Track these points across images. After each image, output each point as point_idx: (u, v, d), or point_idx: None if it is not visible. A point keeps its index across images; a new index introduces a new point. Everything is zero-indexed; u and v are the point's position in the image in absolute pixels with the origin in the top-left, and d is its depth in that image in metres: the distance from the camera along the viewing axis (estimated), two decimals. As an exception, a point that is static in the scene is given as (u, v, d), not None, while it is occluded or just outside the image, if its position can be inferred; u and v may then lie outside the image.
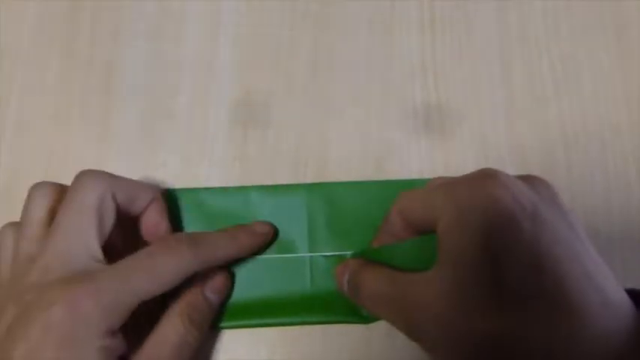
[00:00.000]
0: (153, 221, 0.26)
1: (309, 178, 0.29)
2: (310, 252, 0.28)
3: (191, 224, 0.28)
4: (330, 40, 0.32)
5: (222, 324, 0.27)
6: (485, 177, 0.20)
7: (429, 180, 0.29)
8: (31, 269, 0.22)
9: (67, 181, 0.29)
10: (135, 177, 0.29)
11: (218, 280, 0.26)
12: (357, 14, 0.33)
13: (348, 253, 0.28)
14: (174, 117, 0.31)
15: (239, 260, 0.27)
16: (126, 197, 0.24)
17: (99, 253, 0.23)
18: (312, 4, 0.33)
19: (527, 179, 0.21)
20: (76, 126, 0.30)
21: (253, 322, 0.27)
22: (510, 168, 0.30)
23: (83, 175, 0.24)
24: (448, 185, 0.21)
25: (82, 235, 0.22)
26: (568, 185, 0.30)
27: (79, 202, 0.23)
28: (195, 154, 0.30)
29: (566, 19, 0.33)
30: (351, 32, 0.32)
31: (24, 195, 0.29)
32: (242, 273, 0.27)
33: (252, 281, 0.27)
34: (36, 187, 0.24)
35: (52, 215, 0.23)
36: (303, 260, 0.28)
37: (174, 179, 0.29)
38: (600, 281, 0.19)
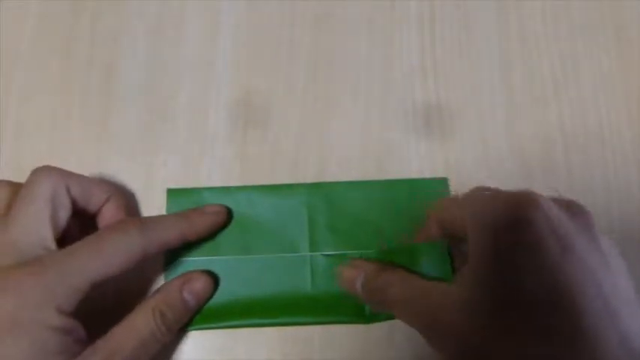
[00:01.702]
0: (110, 217, 0.26)
1: (309, 178, 0.29)
2: (311, 251, 0.28)
3: None
4: (330, 40, 0.32)
5: (222, 324, 0.27)
6: (525, 198, 0.20)
7: (428, 180, 0.29)
8: None
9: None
10: (135, 177, 0.29)
11: (198, 284, 0.26)
12: (357, 14, 0.33)
13: (349, 252, 0.28)
14: (174, 117, 0.31)
15: (241, 260, 0.27)
16: (81, 192, 0.25)
17: (52, 244, 0.23)
18: (312, 4, 0.33)
19: (567, 205, 0.21)
20: (76, 126, 0.30)
21: (253, 321, 0.27)
22: (510, 168, 0.30)
23: (37, 170, 0.24)
24: (486, 200, 0.21)
25: (35, 224, 0.23)
26: (568, 185, 0.30)
27: (31, 194, 0.23)
28: (195, 154, 0.30)
29: (566, 19, 0.33)
30: (351, 32, 0.32)
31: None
32: (242, 272, 0.27)
33: (252, 281, 0.27)
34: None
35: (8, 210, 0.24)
36: (304, 260, 0.28)
37: (174, 179, 0.29)
38: (623, 321, 0.18)
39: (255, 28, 0.32)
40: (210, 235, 0.27)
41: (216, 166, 0.30)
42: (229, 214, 0.28)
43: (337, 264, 0.27)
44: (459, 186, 0.29)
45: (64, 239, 0.24)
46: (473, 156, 0.30)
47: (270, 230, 0.28)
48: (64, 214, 0.24)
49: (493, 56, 0.32)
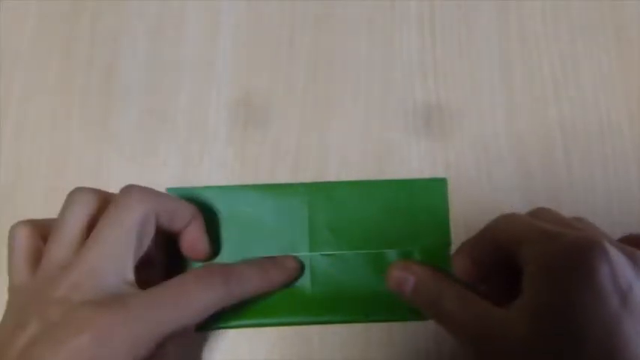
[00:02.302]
0: (193, 238, 0.25)
1: (309, 178, 0.29)
2: (311, 251, 0.28)
3: None
4: (330, 40, 0.32)
5: (223, 324, 0.27)
6: (590, 243, 0.20)
7: (428, 180, 0.29)
8: (59, 282, 0.21)
9: (67, 181, 0.29)
10: (135, 177, 0.29)
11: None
12: (357, 14, 0.33)
13: (349, 252, 0.28)
14: (175, 117, 0.31)
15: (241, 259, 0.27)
16: (168, 217, 0.24)
17: (131, 276, 0.22)
18: (312, 4, 0.33)
19: (631, 254, 0.21)
20: (76, 126, 0.30)
21: (254, 322, 0.27)
22: (510, 168, 0.30)
23: (129, 192, 0.23)
24: (550, 237, 0.21)
25: (119, 256, 0.22)
26: (568, 185, 0.30)
27: (120, 221, 0.22)
28: (195, 154, 0.30)
29: (566, 19, 0.33)
30: (351, 32, 0.32)
31: (24, 195, 0.29)
32: None
33: None
34: (78, 192, 0.23)
35: (91, 225, 0.22)
36: (304, 259, 0.28)
37: (174, 179, 0.29)
38: None
39: (255, 28, 0.32)
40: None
41: (216, 166, 0.30)
42: (302, 269, 0.28)
43: (337, 264, 0.27)
44: (459, 186, 0.29)
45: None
46: (473, 156, 0.30)
47: (269, 230, 0.28)
48: (147, 241, 0.23)
49: (493, 56, 0.32)
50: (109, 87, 0.31)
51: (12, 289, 0.23)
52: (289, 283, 0.27)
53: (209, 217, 0.28)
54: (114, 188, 0.29)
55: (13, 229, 0.23)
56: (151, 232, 0.23)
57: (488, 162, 0.30)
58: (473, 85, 0.31)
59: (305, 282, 0.27)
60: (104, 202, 0.23)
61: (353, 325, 0.27)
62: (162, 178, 0.29)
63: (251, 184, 0.29)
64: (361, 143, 0.30)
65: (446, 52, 0.32)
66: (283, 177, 0.29)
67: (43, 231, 0.23)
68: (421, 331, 0.27)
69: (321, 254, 0.28)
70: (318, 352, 0.27)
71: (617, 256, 0.20)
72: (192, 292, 0.22)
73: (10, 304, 0.22)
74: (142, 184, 0.29)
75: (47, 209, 0.29)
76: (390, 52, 0.32)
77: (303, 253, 0.28)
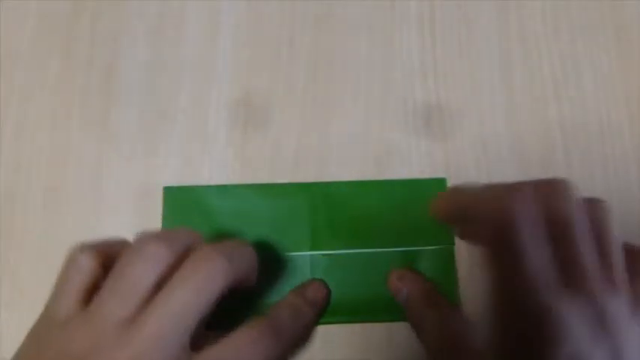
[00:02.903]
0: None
1: (309, 178, 0.29)
2: (311, 251, 0.28)
3: (190, 222, 0.28)
4: (330, 40, 0.32)
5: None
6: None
7: (427, 180, 0.29)
8: (117, 345, 0.19)
9: (66, 181, 0.29)
10: (135, 177, 0.29)
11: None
12: (357, 14, 0.33)
13: (349, 252, 0.28)
14: (175, 117, 0.31)
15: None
16: (244, 279, 0.23)
17: (188, 342, 0.20)
18: (312, 4, 0.33)
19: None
20: (76, 126, 0.30)
21: None
22: (510, 168, 0.30)
23: (212, 260, 0.21)
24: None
25: (187, 326, 0.20)
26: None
27: (198, 292, 0.20)
28: (195, 154, 0.30)
29: (566, 19, 0.33)
30: (351, 32, 0.32)
31: (24, 195, 0.29)
32: None
33: None
34: (154, 245, 0.21)
35: (160, 283, 0.21)
36: (304, 259, 0.28)
37: (174, 179, 0.29)
38: None
39: (255, 28, 0.32)
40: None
41: (216, 166, 0.30)
42: (329, 294, 0.28)
43: (338, 264, 0.27)
44: (459, 186, 0.29)
45: None
46: (473, 156, 0.30)
47: (270, 230, 0.28)
48: (213, 307, 0.21)
49: (493, 56, 0.32)
50: (109, 87, 0.31)
51: (49, 320, 0.21)
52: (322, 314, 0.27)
53: (208, 216, 0.28)
54: (114, 188, 0.29)
55: (78, 255, 0.21)
56: (218, 299, 0.21)
57: (488, 162, 0.30)
58: (473, 85, 0.31)
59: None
60: (179, 259, 0.21)
61: (353, 325, 0.27)
62: (163, 178, 0.29)
63: (251, 183, 0.29)
64: (361, 143, 0.30)
65: (446, 52, 0.32)
66: (283, 177, 0.29)
67: (106, 260, 0.21)
68: (421, 331, 0.27)
69: (322, 254, 0.28)
70: (318, 352, 0.27)
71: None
72: (244, 356, 0.21)
73: (40, 336, 0.21)
74: (142, 184, 0.29)
75: (47, 209, 0.29)
76: (390, 52, 0.32)
77: (304, 253, 0.28)
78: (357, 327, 0.27)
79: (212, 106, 0.31)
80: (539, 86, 0.31)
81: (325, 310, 0.27)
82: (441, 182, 0.29)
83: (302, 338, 0.26)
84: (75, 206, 0.29)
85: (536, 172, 0.30)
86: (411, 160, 0.30)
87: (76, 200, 0.29)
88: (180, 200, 0.28)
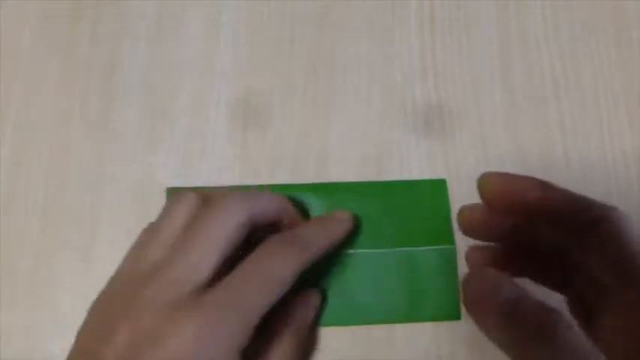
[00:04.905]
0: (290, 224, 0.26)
1: (309, 179, 0.29)
2: None
3: None
4: (330, 40, 0.32)
5: None
6: None
7: (427, 181, 0.29)
8: (152, 280, 0.20)
9: (66, 181, 0.29)
10: (135, 177, 0.29)
11: (316, 301, 0.26)
12: (357, 14, 0.33)
13: (349, 252, 0.28)
14: (175, 117, 0.31)
15: None
16: (262, 219, 0.24)
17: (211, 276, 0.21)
18: (312, 4, 0.33)
19: None
20: (76, 126, 0.30)
21: None
22: (510, 168, 0.30)
23: (226, 198, 0.23)
24: None
25: (213, 255, 0.21)
26: (568, 186, 0.30)
27: (218, 225, 0.22)
28: (195, 154, 0.30)
29: (566, 19, 0.33)
30: (351, 32, 0.32)
31: (24, 195, 0.29)
32: None
33: None
34: (179, 194, 0.23)
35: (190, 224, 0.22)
36: None
37: (175, 179, 0.29)
38: None
39: (255, 28, 0.32)
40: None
41: (216, 166, 0.30)
42: (356, 220, 0.28)
43: (339, 264, 0.27)
44: (459, 186, 0.29)
45: None
46: (473, 156, 0.30)
47: None
48: (238, 243, 0.22)
49: (493, 56, 0.32)
50: (109, 87, 0.31)
51: (115, 277, 0.23)
52: (348, 236, 0.27)
53: None
54: (114, 188, 0.29)
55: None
56: (243, 235, 0.22)
57: (488, 162, 0.30)
58: (473, 85, 0.31)
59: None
60: (204, 203, 0.23)
61: (353, 326, 0.27)
62: (163, 178, 0.29)
63: (251, 184, 0.29)
64: (361, 143, 0.30)
65: (446, 52, 0.32)
66: (283, 177, 0.29)
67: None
68: (422, 331, 0.27)
69: None
70: (318, 352, 0.27)
71: None
72: (270, 269, 0.22)
73: (102, 298, 0.22)
74: (142, 184, 0.29)
75: (47, 209, 0.29)
76: (390, 52, 0.32)
77: None
78: (357, 327, 0.27)
79: (212, 106, 0.31)
80: (539, 86, 0.31)
81: (352, 231, 0.27)
82: (439, 183, 0.29)
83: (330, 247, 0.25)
84: (75, 206, 0.29)
85: (536, 173, 0.30)
86: (411, 160, 0.30)
87: (76, 200, 0.29)
88: None
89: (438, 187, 0.29)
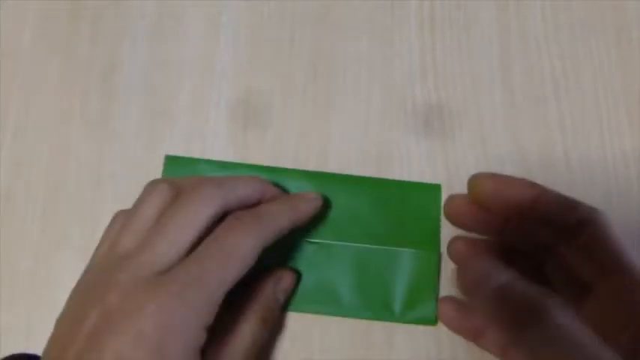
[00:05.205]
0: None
1: (309, 178, 0.29)
2: (297, 238, 0.28)
3: None
4: (330, 40, 0.32)
5: None
6: None
7: (422, 184, 0.29)
8: (121, 266, 0.21)
9: (66, 181, 0.29)
10: (135, 177, 0.29)
11: (288, 281, 0.26)
12: (357, 14, 0.33)
13: (335, 242, 0.28)
14: (175, 117, 0.31)
15: None
16: (237, 205, 0.24)
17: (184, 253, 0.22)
18: (312, 4, 0.33)
19: None
20: (76, 126, 0.30)
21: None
22: (510, 168, 0.30)
23: (200, 187, 0.23)
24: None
25: (181, 244, 0.21)
26: (568, 186, 0.30)
27: (188, 216, 0.22)
28: (195, 154, 0.30)
29: (566, 19, 0.33)
30: (351, 32, 0.32)
31: (24, 195, 0.29)
32: None
33: None
34: (152, 184, 0.24)
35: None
36: (288, 245, 0.28)
37: (175, 179, 0.29)
38: None
39: (255, 28, 0.32)
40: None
41: (216, 166, 0.30)
42: (325, 201, 0.28)
43: (321, 253, 0.28)
44: (459, 186, 0.29)
45: None
46: (473, 156, 0.30)
47: None
48: (209, 231, 0.22)
49: (493, 56, 0.32)
50: (109, 87, 0.31)
51: (90, 265, 0.23)
52: (315, 215, 0.27)
53: None
54: (114, 188, 0.29)
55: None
56: (216, 222, 0.23)
57: (488, 162, 0.30)
58: (473, 85, 0.31)
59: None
60: (178, 192, 0.23)
61: (353, 325, 0.27)
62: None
63: (251, 164, 0.29)
64: (361, 143, 0.30)
65: (446, 52, 0.32)
66: (283, 177, 0.29)
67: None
68: (422, 333, 0.27)
69: (307, 241, 0.28)
70: (318, 353, 0.27)
71: None
72: (231, 246, 0.22)
73: (77, 286, 0.23)
74: (142, 184, 0.29)
75: (47, 209, 0.29)
76: (390, 52, 0.32)
77: (289, 238, 0.28)
78: (357, 327, 0.27)
79: (212, 105, 0.31)
80: (539, 86, 0.31)
81: (319, 210, 0.27)
82: (434, 188, 0.29)
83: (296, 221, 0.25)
84: (75, 206, 0.29)
85: (536, 173, 0.30)
86: (411, 160, 0.30)
87: (76, 200, 0.29)
88: (180, 170, 0.29)
89: (432, 191, 0.29)
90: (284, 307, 0.27)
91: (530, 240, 0.24)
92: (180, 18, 0.32)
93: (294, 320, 0.27)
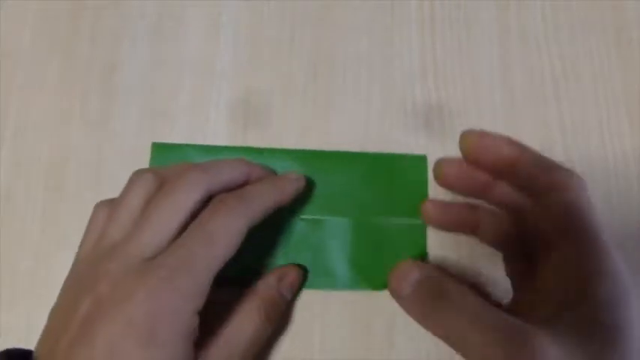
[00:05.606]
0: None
1: (309, 178, 0.29)
2: (289, 215, 0.28)
3: None
4: (330, 39, 0.32)
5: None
6: None
7: (408, 156, 0.30)
8: (110, 256, 0.21)
9: (66, 181, 0.29)
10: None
11: (293, 277, 0.26)
12: (357, 14, 0.33)
13: (326, 218, 0.28)
14: (175, 117, 0.31)
15: None
16: (222, 189, 0.24)
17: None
18: (312, 4, 0.33)
19: None
20: (76, 126, 0.30)
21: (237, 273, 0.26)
22: (510, 168, 0.30)
23: (184, 174, 0.23)
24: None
25: (167, 231, 0.22)
26: (568, 185, 0.30)
27: (173, 203, 0.22)
28: (195, 154, 0.30)
29: (566, 19, 0.33)
30: (351, 32, 0.32)
31: (24, 195, 0.29)
32: None
33: None
34: (137, 174, 0.24)
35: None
36: (282, 223, 0.28)
37: (175, 179, 0.29)
38: None
39: (255, 28, 0.32)
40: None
41: (216, 166, 0.30)
42: (307, 180, 0.28)
43: (312, 228, 0.28)
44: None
45: None
46: (473, 156, 0.30)
47: None
48: (195, 217, 0.23)
49: (493, 56, 0.32)
50: (109, 86, 0.31)
51: (74, 262, 0.23)
52: (297, 195, 0.27)
53: None
54: (113, 188, 0.29)
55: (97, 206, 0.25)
56: (201, 207, 0.23)
57: (489, 162, 0.30)
58: (473, 85, 0.31)
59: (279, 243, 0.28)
60: (162, 182, 0.23)
61: (353, 325, 0.27)
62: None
63: (239, 146, 0.29)
64: (361, 143, 0.30)
65: (446, 52, 0.32)
66: (283, 177, 0.29)
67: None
68: (422, 333, 0.27)
69: (300, 218, 0.28)
70: (318, 353, 0.27)
71: None
72: (217, 229, 0.22)
73: (67, 278, 0.23)
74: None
75: (47, 209, 0.29)
76: (390, 52, 0.32)
77: (282, 216, 0.28)
78: (357, 327, 0.27)
79: (212, 105, 0.31)
80: (539, 86, 0.31)
81: (302, 190, 0.27)
82: (420, 159, 0.29)
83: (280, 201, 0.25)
84: (75, 206, 0.29)
85: (536, 172, 0.30)
86: (411, 160, 0.30)
87: (76, 200, 0.29)
88: (167, 157, 0.29)
89: (418, 162, 0.29)
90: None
91: (511, 200, 0.25)
92: (180, 18, 0.32)
93: (295, 320, 0.28)
